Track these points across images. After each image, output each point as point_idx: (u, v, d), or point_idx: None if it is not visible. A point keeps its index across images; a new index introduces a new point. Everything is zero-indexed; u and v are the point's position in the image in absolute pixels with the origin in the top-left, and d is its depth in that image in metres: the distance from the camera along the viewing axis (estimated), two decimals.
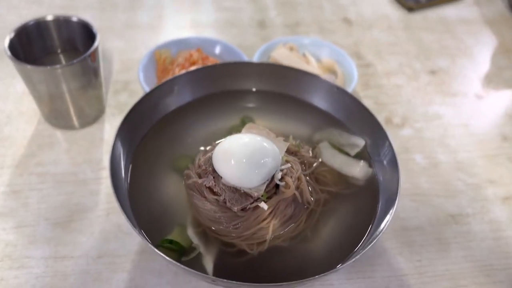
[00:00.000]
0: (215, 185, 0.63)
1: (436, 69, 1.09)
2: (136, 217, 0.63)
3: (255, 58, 0.97)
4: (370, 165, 0.72)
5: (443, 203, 0.81)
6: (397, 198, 0.62)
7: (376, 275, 0.71)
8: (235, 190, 0.62)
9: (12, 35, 0.79)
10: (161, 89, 0.75)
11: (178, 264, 0.55)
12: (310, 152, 0.73)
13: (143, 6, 1.21)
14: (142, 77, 0.90)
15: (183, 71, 0.81)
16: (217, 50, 1.01)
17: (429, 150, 0.90)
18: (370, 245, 0.58)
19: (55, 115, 0.86)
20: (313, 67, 0.97)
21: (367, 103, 0.74)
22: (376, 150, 0.73)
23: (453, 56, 1.14)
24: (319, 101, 0.80)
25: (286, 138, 0.71)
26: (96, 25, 0.84)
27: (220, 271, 0.60)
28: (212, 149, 0.67)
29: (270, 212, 0.63)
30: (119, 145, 0.67)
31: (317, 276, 0.55)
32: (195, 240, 0.62)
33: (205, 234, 0.64)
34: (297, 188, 0.65)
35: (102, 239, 0.73)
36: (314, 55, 1.02)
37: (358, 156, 0.74)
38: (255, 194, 0.62)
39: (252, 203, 0.62)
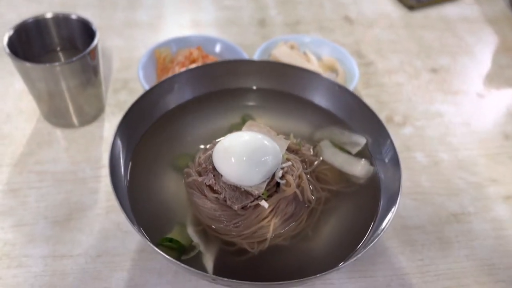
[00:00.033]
0: (215, 183, 0.63)
1: (437, 68, 1.09)
2: (135, 215, 0.63)
3: (255, 57, 0.96)
4: (371, 164, 0.72)
5: (444, 201, 0.81)
6: (399, 196, 0.62)
7: (378, 274, 0.71)
8: (235, 188, 0.62)
9: (11, 32, 0.79)
10: (161, 87, 0.75)
11: (178, 262, 0.54)
12: (311, 150, 0.72)
13: (143, 4, 1.21)
14: (142, 75, 0.89)
15: (183, 69, 0.81)
16: (218, 48, 1.01)
17: (430, 148, 0.90)
18: (372, 243, 0.57)
19: (54, 113, 0.86)
20: (314, 66, 0.96)
21: (368, 101, 0.74)
22: (377, 148, 0.72)
23: (454, 54, 1.13)
24: (320, 99, 0.80)
25: (286, 136, 0.71)
26: (95, 24, 0.83)
27: (220, 270, 0.59)
28: (212, 147, 0.67)
29: (271, 211, 0.62)
30: (118, 142, 0.66)
31: (318, 275, 0.54)
32: (195, 239, 0.62)
33: (205, 232, 0.63)
34: (298, 186, 0.64)
35: (101, 237, 0.72)
36: (315, 53, 1.01)
37: (359, 155, 0.73)
38: (256, 192, 0.61)
39: (253, 201, 0.62)
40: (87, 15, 0.85)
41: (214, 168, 0.64)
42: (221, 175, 0.63)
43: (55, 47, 0.87)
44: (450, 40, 1.18)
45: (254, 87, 0.82)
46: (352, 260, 0.58)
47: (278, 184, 0.64)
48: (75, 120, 0.87)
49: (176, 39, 0.99)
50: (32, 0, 1.16)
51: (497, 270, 0.72)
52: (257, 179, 0.61)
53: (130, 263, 0.70)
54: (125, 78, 0.99)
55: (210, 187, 0.64)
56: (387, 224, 0.60)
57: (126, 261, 0.70)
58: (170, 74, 0.84)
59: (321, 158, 0.72)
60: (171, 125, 0.75)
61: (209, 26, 1.16)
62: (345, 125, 0.77)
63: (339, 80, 0.94)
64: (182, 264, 0.54)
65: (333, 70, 0.98)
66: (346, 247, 0.63)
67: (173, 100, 0.77)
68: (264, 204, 0.61)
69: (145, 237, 0.59)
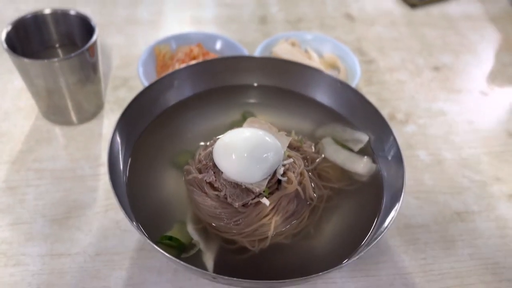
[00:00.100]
0: (215, 180, 0.62)
1: (440, 65, 1.08)
2: (135, 213, 0.62)
3: (256, 54, 0.95)
4: (374, 161, 0.71)
5: (448, 200, 0.80)
6: (402, 194, 0.61)
7: (380, 273, 0.70)
8: (236, 185, 0.61)
9: (9, 28, 0.78)
10: (161, 83, 0.74)
11: (178, 261, 0.53)
12: (313, 147, 0.72)
13: (143, 1, 1.20)
14: (141, 72, 0.88)
15: (183, 65, 0.80)
16: (218, 45, 1.00)
17: (433, 146, 0.89)
18: (375, 241, 0.56)
19: (53, 111, 0.85)
20: (315, 63, 0.95)
21: (370, 99, 0.73)
22: (380, 146, 0.71)
23: (456, 52, 1.12)
24: (322, 96, 0.79)
25: (288, 133, 0.70)
26: (95, 20, 0.82)
27: (221, 268, 0.58)
28: (212, 144, 0.66)
29: (272, 208, 0.62)
30: (117, 139, 0.66)
31: (320, 273, 0.53)
32: (195, 237, 0.61)
33: (205, 230, 0.62)
34: (300, 183, 0.63)
35: (100, 236, 0.71)
36: (316, 50, 1.01)
37: (362, 152, 0.72)
38: (257, 190, 0.60)
39: (254, 198, 0.61)
40: (87, 11, 0.84)
41: (214, 165, 0.63)
42: (222, 172, 0.62)
43: (53, 43, 0.86)
44: (452, 38, 1.17)
45: (255, 84, 0.81)
46: (354, 258, 0.57)
47: (279, 181, 0.63)
48: (74, 117, 0.86)
49: (176, 36, 0.98)
50: None
51: (501, 269, 0.71)
52: (258, 176, 0.60)
53: (129, 262, 0.69)
54: (125, 75, 0.98)
55: (211, 184, 0.63)
56: (390, 222, 0.59)
57: (125, 259, 0.69)
58: (170, 71, 0.84)
59: (323, 156, 0.71)
60: (171, 122, 0.74)
61: (209, 23, 1.15)
62: (347, 122, 0.76)
63: (341, 77, 0.93)
64: (182, 262, 0.53)
65: (334, 67, 0.97)
66: (349, 245, 0.62)
67: (173, 96, 0.76)
68: (265, 201, 0.61)
69: (144, 234, 0.58)
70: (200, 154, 0.67)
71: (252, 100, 0.81)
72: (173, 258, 0.53)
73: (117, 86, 0.96)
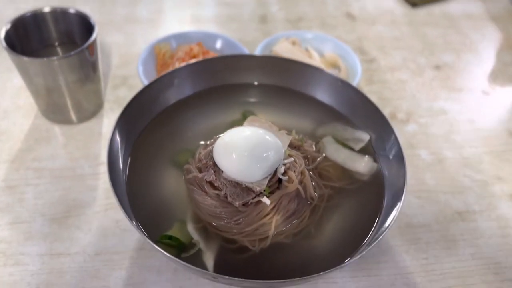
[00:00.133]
0: (216, 179, 0.62)
1: (441, 64, 1.07)
2: (134, 212, 0.62)
3: (256, 53, 0.95)
4: (375, 160, 0.71)
5: (449, 199, 0.79)
6: (404, 193, 0.60)
7: (382, 273, 0.69)
8: (236, 184, 0.61)
9: (8, 26, 0.78)
10: (161, 81, 0.73)
11: (178, 260, 0.53)
12: (314, 146, 0.71)
13: (143, 0, 1.19)
14: (141, 71, 0.88)
15: (184, 64, 0.79)
16: (218, 44, 1.00)
17: (435, 146, 0.88)
18: (377, 240, 0.56)
19: (53, 109, 0.84)
20: (316, 62, 0.95)
21: (371, 98, 0.72)
22: (381, 145, 0.71)
23: (458, 51, 1.12)
24: (323, 95, 0.79)
25: (289, 132, 0.69)
26: (95, 19, 0.82)
27: (221, 268, 0.58)
28: (213, 143, 0.66)
29: (273, 208, 0.61)
30: (117, 138, 0.65)
31: (321, 273, 0.53)
32: (195, 236, 0.61)
33: (205, 230, 0.62)
34: (300, 182, 0.63)
35: (99, 235, 0.71)
36: (317, 49, 1.00)
37: (363, 151, 0.72)
38: (257, 189, 0.60)
39: (254, 198, 0.60)
40: (86, 10, 0.84)
41: (214, 164, 0.62)
42: (222, 171, 0.61)
43: (53, 41, 0.86)
44: (453, 37, 1.16)
45: (256, 83, 0.81)
46: (356, 258, 0.56)
47: (280, 180, 0.62)
48: (73, 116, 0.86)
49: (176, 35, 0.98)
50: None
51: (503, 269, 0.71)
52: (258, 175, 0.60)
53: (129, 261, 0.68)
54: (125, 74, 0.98)
55: (211, 184, 0.62)
56: (392, 221, 0.59)
57: (125, 259, 0.69)
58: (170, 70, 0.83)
59: (323, 155, 0.71)
60: (171, 121, 0.74)
61: (209, 22, 1.15)
62: (348, 121, 0.76)
63: (342, 76, 0.92)
64: (182, 262, 0.53)
65: (335, 66, 0.97)
66: (350, 245, 0.61)
67: (173, 95, 0.76)
68: (266, 200, 0.60)
69: (144, 234, 0.58)
70: (200, 153, 0.66)
71: (252, 99, 0.80)
72: (173, 257, 0.53)
73: (117, 85, 0.96)
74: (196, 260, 0.58)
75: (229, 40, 0.99)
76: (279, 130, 0.67)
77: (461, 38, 1.16)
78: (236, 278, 0.52)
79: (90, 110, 0.87)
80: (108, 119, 0.88)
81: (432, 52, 1.11)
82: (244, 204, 0.60)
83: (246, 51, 0.96)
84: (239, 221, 0.61)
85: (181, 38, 0.98)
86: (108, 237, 0.71)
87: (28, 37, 0.82)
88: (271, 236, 0.61)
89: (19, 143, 0.83)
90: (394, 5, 1.26)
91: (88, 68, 0.80)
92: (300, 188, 0.62)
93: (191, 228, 0.61)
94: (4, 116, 0.88)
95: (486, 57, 1.11)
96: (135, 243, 0.70)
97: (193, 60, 0.86)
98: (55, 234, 0.71)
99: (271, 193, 0.61)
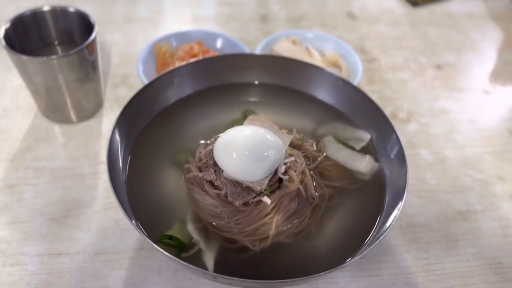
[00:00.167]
0: (216, 178, 0.61)
1: (442, 64, 1.07)
2: (134, 212, 0.61)
3: (257, 52, 0.95)
4: (376, 160, 0.70)
5: (450, 199, 0.79)
6: (405, 192, 0.60)
7: (383, 272, 0.69)
8: (237, 184, 0.60)
9: (7, 25, 0.77)
10: (161, 80, 0.73)
11: (178, 260, 0.53)
12: (314, 146, 0.71)
13: None
14: (141, 70, 0.88)
15: (184, 63, 0.79)
16: (219, 44, 0.99)
17: (436, 145, 0.88)
18: (378, 240, 0.56)
19: (52, 109, 0.84)
20: (316, 61, 0.94)
21: (372, 97, 0.72)
22: (382, 144, 0.70)
23: (459, 51, 1.12)
24: (324, 94, 0.78)
25: (289, 131, 0.69)
26: (94, 18, 0.82)
27: (221, 268, 0.57)
28: (213, 142, 0.65)
29: (273, 207, 0.61)
30: (117, 137, 0.65)
31: (322, 273, 0.53)
32: (196, 236, 0.60)
33: (205, 229, 0.62)
34: (301, 182, 0.63)
35: (99, 235, 0.71)
36: (318, 49, 1.00)
37: (364, 150, 0.72)
38: (258, 188, 0.59)
39: (255, 197, 0.60)
40: (86, 9, 0.84)
41: (215, 163, 0.62)
42: (222, 171, 0.61)
43: (52, 40, 0.85)
44: (455, 36, 1.16)
45: (256, 82, 0.81)
46: (357, 258, 0.56)
47: (280, 180, 0.62)
48: (73, 115, 0.85)
49: (176, 34, 0.98)
50: None
51: (505, 269, 0.70)
52: (259, 175, 0.59)
53: (128, 261, 0.68)
54: (124, 73, 0.98)
55: (211, 183, 0.62)
56: (393, 221, 0.59)
57: (124, 259, 0.68)
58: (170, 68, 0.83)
59: (324, 154, 0.70)
60: (171, 120, 0.74)
61: (209, 21, 1.15)
62: (349, 120, 0.75)
63: (342, 76, 0.92)
64: (182, 262, 0.53)
65: (336, 65, 0.97)
66: (351, 244, 0.61)
67: (173, 94, 0.76)
68: (267, 200, 0.60)
69: (144, 233, 0.57)
70: (200, 152, 0.66)
71: (252, 98, 0.80)
72: (173, 257, 0.53)
73: (117, 84, 0.95)
74: (196, 260, 0.58)
75: (229, 39, 0.98)
76: (280, 129, 0.67)
77: (462, 37, 1.16)
78: (236, 278, 0.52)
79: (90, 110, 0.87)
80: (108, 119, 0.88)
81: (433, 52, 1.10)
82: (244, 204, 0.60)
83: (247, 50, 0.96)
84: (239, 221, 0.61)
85: (181, 37, 0.97)
86: (108, 237, 0.70)
87: (27, 36, 0.82)
88: (271, 236, 0.60)
89: (19, 143, 0.83)
90: (395, 4, 1.25)
91: (87, 67, 0.80)
92: (301, 187, 0.62)
93: (191, 228, 0.61)
94: (3, 115, 0.87)
95: (487, 56, 1.11)
96: (135, 242, 0.70)
97: (193, 59, 0.85)
98: (54, 234, 0.70)
99: (272, 192, 0.61)
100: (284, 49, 0.95)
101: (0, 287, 0.64)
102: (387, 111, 0.92)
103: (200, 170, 0.64)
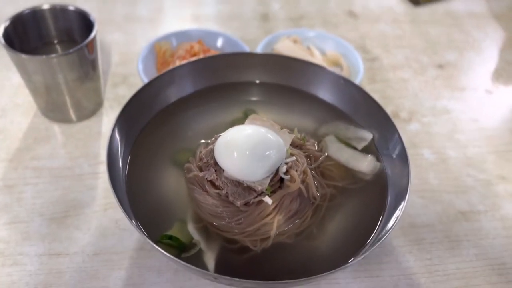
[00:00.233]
0: (217, 178, 0.61)
1: (444, 63, 1.07)
2: (134, 212, 0.61)
3: (258, 51, 0.94)
4: (378, 159, 0.70)
5: (452, 199, 0.78)
6: (408, 192, 0.60)
7: (384, 273, 0.68)
8: (238, 183, 0.60)
9: (7, 23, 0.77)
10: (161, 79, 0.73)
11: (178, 260, 0.52)
12: (316, 145, 0.70)
13: None
14: (141, 69, 0.87)
15: (184, 62, 0.79)
16: (219, 43, 0.99)
17: (438, 145, 0.87)
18: (381, 240, 0.55)
19: (52, 108, 0.83)
20: (318, 60, 0.94)
21: (373, 97, 0.71)
22: (384, 144, 0.70)
23: (461, 50, 1.11)
24: (325, 93, 0.78)
25: (290, 130, 0.68)
26: (94, 17, 0.81)
27: (222, 268, 0.57)
28: (213, 142, 0.65)
29: (275, 207, 0.60)
30: (116, 136, 0.64)
31: (324, 274, 0.52)
32: (196, 236, 0.60)
33: (206, 229, 0.61)
34: (303, 182, 0.62)
35: (99, 235, 0.70)
36: (319, 48, 0.99)
37: (366, 150, 0.71)
38: (259, 188, 0.59)
39: (256, 197, 0.59)
40: (86, 8, 0.83)
41: (215, 163, 0.61)
42: (223, 170, 0.60)
43: (52, 39, 0.85)
44: (456, 35, 1.15)
45: (257, 81, 0.80)
46: (359, 258, 0.56)
47: (282, 179, 0.61)
48: (72, 115, 0.85)
49: (176, 33, 0.97)
50: None
51: (508, 270, 0.70)
52: (260, 174, 0.59)
53: (128, 262, 0.67)
54: (124, 72, 0.97)
55: (212, 183, 0.62)
56: (395, 221, 0.58)
57: (124, 259, 0.68)
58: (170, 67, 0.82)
59: (326, 154, 0.70)
60: (172, 119, 0.73)
61: (210, 20, 1.14)
62: (350, 119, 0.75)
63: (344, 75, 0.91)
64: (183, 262, 0.52)
65: (337, 65, 0.96)
66: (352, 245, 0.61)
67: (174, 93, 0.75)
68: (268, 200, 0.59)
69: (144, 234, 0.57)
70: (201, 152, 0.65)
71: (253, 98, 0.79)
72: (174, 257, 0.52)
73: (117, 83, 0.95)
74: (196, 261, 0.57)
75: (230, 38, 0.98)
76: (281, 128, 0.66)
77: (464, 36, 1.15)
78: (237, 279, 0.51)
79: (90, 109, 0.87)
80: (108, 118, 0.87)
81: (435, 51, 1.10)
82: (245, 204, 0.60)
83: (247, 49, 0.95)
84: (240, 221, 0.60)
85: (181, 36, 0.97)
86: (108, 237, 0.70)
87: (27, 35, 0.81)
88: (272, 236, 0.60)
89: (18, 142, 0.82)
90: (396, 3, 1.25)
91: (87, 66, 0.79)
92: (303, 187, 0.61)
93: (191, 228, 0.61)
94: (2, 114, 0.87)
95: (490, 55, 1.11)
96: (135, 243, 0.69)
97: (194, 58, 0.85)
98: (53, 234, 0.70)
99: (273, 192, 0.60)
100: (285, 48, 0.94)
101: None
102: (388, 110, 0.91)
103: (201, 170, 0.63)
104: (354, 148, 0.71)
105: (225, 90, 0.79)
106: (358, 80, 0.89)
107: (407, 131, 0.90)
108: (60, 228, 0.71)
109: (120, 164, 0.65)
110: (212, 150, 0.62)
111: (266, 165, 0.59)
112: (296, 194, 0.62)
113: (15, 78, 0.92)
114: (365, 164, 0.69)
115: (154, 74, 0.90)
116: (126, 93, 0.92)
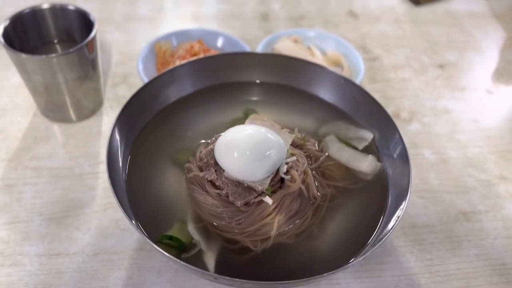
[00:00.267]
0: (217, 178, 0.60)
1: (444, 63, 1.06)
2: (134, 212, 0.60)
3: (258, 51, 0.94)
4: (378, 159, 0.69)
5: (453, 199, 0.78)
6: (409, 192, 0.59)
7: (385, 274, 0.68)
8: (238, 183, 0.59)
9: (6, 23, 0.77)
10: (161, 79, 0.72)
11: (178, 260, 0.52)
12: (316, 145, 0.70)
13: None
14: (141, 68, 0.87)
15: (184, 61, 0.78)
16: (219, 42, 0.99)
17: (438, 145, 0.87)
18: (382, 241, 0.55)
19: (51, 108, 0.83)
20: (318, 60, 0.94)
21: (374, 97, 0.71)
22: (385, 144, 0.70)
23: (461, 50, 1.11)
24: (326, 93, 0.77)
25: (291, 130, 0.68)
26: (94, 16, 0.81)
27: (222, 269, 0.57)
28: (214, 142, 0.64)
29: (275, 207, 0.60)
30: (116, 136, 0.64)
31: (325, 274, 0.52)
32: (196, 236, 0.60)
33: (206, 230, 0.61)
34: (303, 182, 0.62)
35: (99, 235, 0.70)
36: (320, 48, 0.99)
37: (366, 150, 0.71)
38: (259, 188, 0.59)
39: (256, 197, 0.59)
40: (86, 8, 0.83)
41: (216, 163, 0.61)
42: (223, 170, 0.60)
43: (52, 39, 0.85)
44: (457, 35, 1.15)
45: (257, 81, 0.80)
46: (360, 258, 0.55)
47: (282, 179, 0.61)
48: (72, 114, 0.85)
49: (176, 33, 0.97)
50: None
51: (509, 270, 0.70)
52: (260, 174, 0.59)
53: (128, 262, 0.67)
54: (124, 72, 0.97)
55: (212, 183, 0.61)
56: (396, 221, 0.58)
57: (124, 259, 0.67)
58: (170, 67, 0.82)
59: (326, 154, 0.69)
60: (172, 119, 0.73)
61: (210, 20, 1.14)
62: (351, 119, 0.75)
63: (344, 75, 0.91)
64: (183, 263, 0.52)
65: (338, 64, 0.96)
66: (353, 245, 0.60)
67: (174, 93, 0.75)
68: (268, 200, 0.59)
69: (144, 234, 0.57)
70: (201, 151, 0.65)
71: (254, 97, 0.79)
72: (174, 258, 0.52)
73: (117, 83, 0.95)
74: (197, 261, 0.57)
75: (230, 38, 0.98)
76: (281, 128, 0.66)
77: (464, 36, 1.15)
78: (237, 279, 0.51)
79: (90, 108, 0.86)
80: (108, 118, 0.87)
81: (435, 51, 1.10)
82: (245, 204, 0.59)
83: (248, 49, 0.95)
84: (240, 221, 0.60)
85: (181, 35, 0.97)
86: (107, 237, 0.70)
87: (26, 34, 0.81)
88: (273, 236, 0.60)
89: (17, 142, 0.82)
90: (397, 3, 1.25)
91: (87, 65, 0.79)
92: (303, 187, 0.61)
93: (191, 228, 0.60)
94: (2, 114, 0.87)
95: (490, 55, 1.10)
96: (134, 243, 0.69)
97: (194, 58, 0.85)
98: (53, 234, 0.70)
99: (273, 192, 0.60)
100: (286, 48, 0.94)
101: None
102: (389, 110, 0.91)
103: (201, 170, 0.63)
104: (355, 148, 0.71)
105: (225, 90, 0.78)
106: (358, 80, 0.89)
107: (407, 131, 0.89)
108: (60, 228, 0.70)
109: (120, 164, 0.65)
110: (212, 150, 0.62)
111: (267, 165, 0.58)
112: (297, 194, 0.61)
113: (15, 78, 0.92)
114: (366, 164, 0.69)
115: (154, 74, 0.90)
116: (126, 92, 0.92)
